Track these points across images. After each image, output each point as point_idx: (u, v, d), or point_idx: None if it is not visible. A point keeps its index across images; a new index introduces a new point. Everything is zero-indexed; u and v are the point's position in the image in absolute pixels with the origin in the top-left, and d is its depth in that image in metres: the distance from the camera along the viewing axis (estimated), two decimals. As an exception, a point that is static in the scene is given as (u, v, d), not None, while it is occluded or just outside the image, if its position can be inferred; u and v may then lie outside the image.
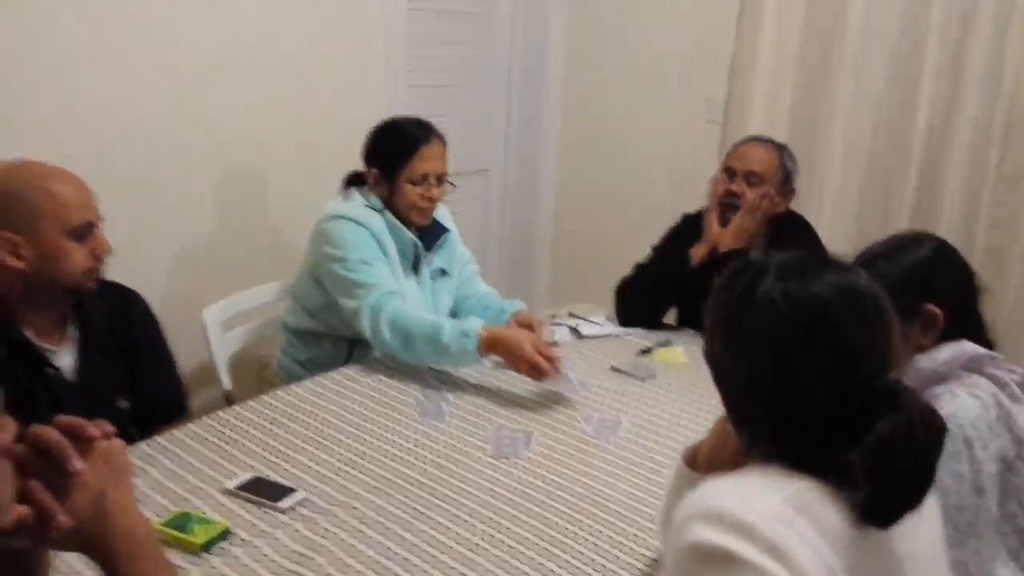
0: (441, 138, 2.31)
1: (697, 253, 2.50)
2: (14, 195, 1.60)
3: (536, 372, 2.04)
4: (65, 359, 1.73)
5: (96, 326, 1.77)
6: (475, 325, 2.11)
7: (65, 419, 0.87)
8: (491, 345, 2.08)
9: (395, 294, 2.19)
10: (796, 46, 3.28)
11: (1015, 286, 2.97)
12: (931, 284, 1.55)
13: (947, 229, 3.08)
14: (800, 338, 0.99)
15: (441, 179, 2.30)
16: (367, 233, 2.24)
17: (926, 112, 3.06)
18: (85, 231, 1.66)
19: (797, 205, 3.10)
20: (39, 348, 1.69)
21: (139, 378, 1.87)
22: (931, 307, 1.52)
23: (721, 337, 1.06)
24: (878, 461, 0.95)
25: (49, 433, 0.85)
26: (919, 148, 3.10)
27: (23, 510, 0.83)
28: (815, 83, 3.24)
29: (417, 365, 2.18)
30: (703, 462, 1.21)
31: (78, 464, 0.85)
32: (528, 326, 2.24)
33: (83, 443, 0.87)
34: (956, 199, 3.07)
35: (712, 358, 1.09)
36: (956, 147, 3.03)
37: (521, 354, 2.04)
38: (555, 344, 2.27)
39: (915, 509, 0.99)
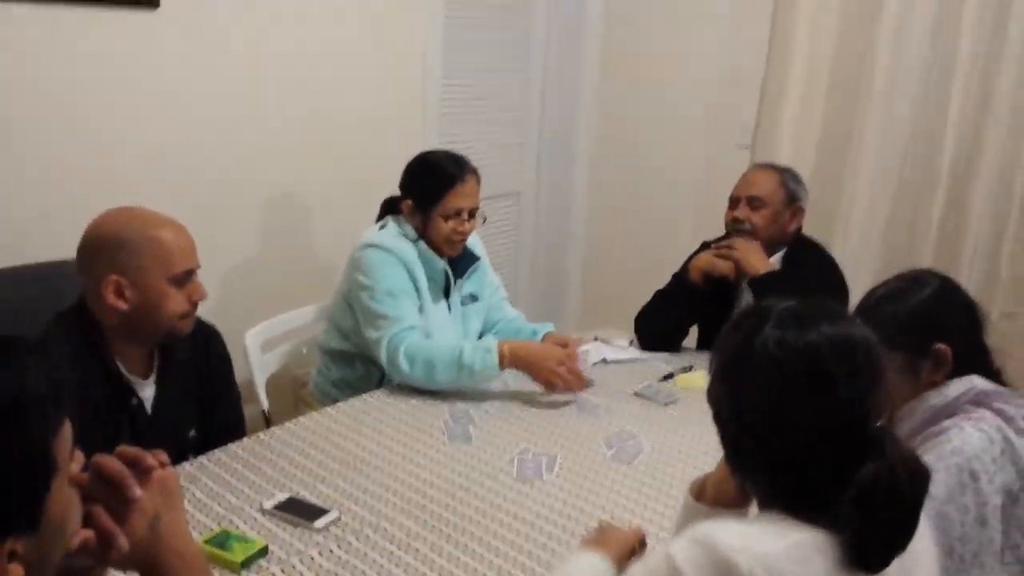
0: (475, 173, 2.39)
1: (693, 269, 2.59)
2: (126, 241, 1.70)
3: (559, 382, 2.19)
4: (148, 391, 1.83)
5: (178, 361, 1.87)
6: (493, 341, 2.25)
7: (126, 450, 0.97)
8: (514, 357, 2.21)
9: (415, 329, 2.28)
10: (826, 73, 3.33)
11: (1040, 312, 3.00)
12: (938, 323, 1.60)
13: (972, 256, 3.13)
14: (793, 384, 1.05)
15: (473, 213, 2.39)
16: (398, 262, 2.34)
17: (953, 141, 3.10)
18: (185, 278, 1.76)
19: (825, 228, 3.16)
20: (128, 380, 1.79)
21: (209, 409, 1.97)
22: (941, 346, 1.58)
23: (720, 379, 1.14)
24: (863, 505, 1.00)
25: (111, 463, 0.95)
26: (946, 176, 3.14)
27: (87, 533, 0.93)
28: (844, 110, 3.29)
29: (443, 390, 2.27)
30: (709, 496, 1.28)
31: (137, 491, 0.95)
32: (564, 345, 2.35)
33: (142, 472, 0.97)
34: (982, 227, 3.10)
35: (712, 398, 1.16)
36: (983, 176, 3.07)
37: (545, 365, 2.19)
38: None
39: (900, 553, 1.04)
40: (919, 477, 1.04)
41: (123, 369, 1.78)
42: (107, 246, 1.71)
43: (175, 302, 1.74)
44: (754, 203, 2.55)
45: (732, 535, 1.03)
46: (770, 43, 3.40)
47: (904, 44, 3.13)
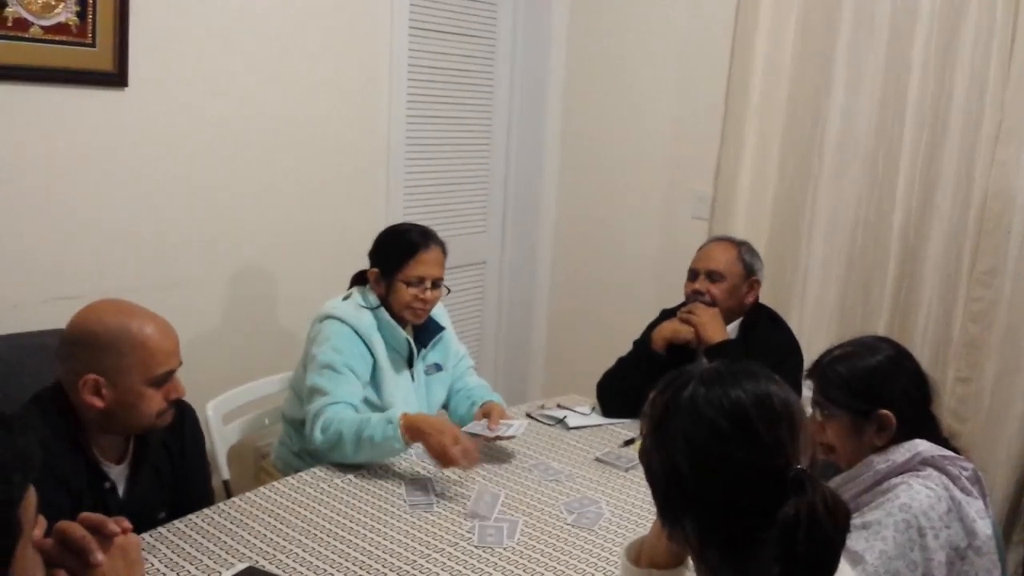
0: (441, 246, 2.44)
1: (657, 338, 2.65)
2: (106, 341, 1.68)
3: (445, 460, 2.11)
4: (121, 475, 1.82)
5: (152, 446, 1.86)
6: (396, 413, 2.20)
7: (89, 516, 0.99)
8: (411, 431, 2.15)
9: (346, 406, 2.26)
10: (778, 149, 3.43)
11: (992, 377, 3.07)
12: (885, 390, 1.68)
13: (925, 323, 3.21)
14: (718, 434, 1.11)
15: (436, 283, 2.43)
16: (351, 332, 2.36)
17: (902, 213, 3.20)
18: (165, 379, 1.75)
19: (780, 299, 3.24)
20: (103, 467, 1.78)
21: (180, 485, 1.95)
22: (884, 412, 1.66)
23: (652, 437, 1.19)
24: (786, 541, 1.05)
25: (75, 529, 0.97)
26: (896, 247, 3.23)
27: (49, 597, 0.94)
28: (796, 185, 3.39)
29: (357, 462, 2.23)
30: (644, 558, 1.31)
31: (99, 556, 0.97)
32: (488, 415, 2.36)
33: (104, 537, 0.99)
34: (934, 295, 3.18)
35: (644, 456, 1.20)
36: (932, 246, 3.16)
37: (438, 440, 2.10)
38: (510, 437, 2.34)
39: None
40: (839, 513, 1.09)
41: (97, 455, 1.77)
42: (87, 344, 1.68)
43: (153, 402, 1.73)
44: (713, 276, 2.64)
45: None
46: (724, 119, 3.51)
47: (851, 120, 3.25)
